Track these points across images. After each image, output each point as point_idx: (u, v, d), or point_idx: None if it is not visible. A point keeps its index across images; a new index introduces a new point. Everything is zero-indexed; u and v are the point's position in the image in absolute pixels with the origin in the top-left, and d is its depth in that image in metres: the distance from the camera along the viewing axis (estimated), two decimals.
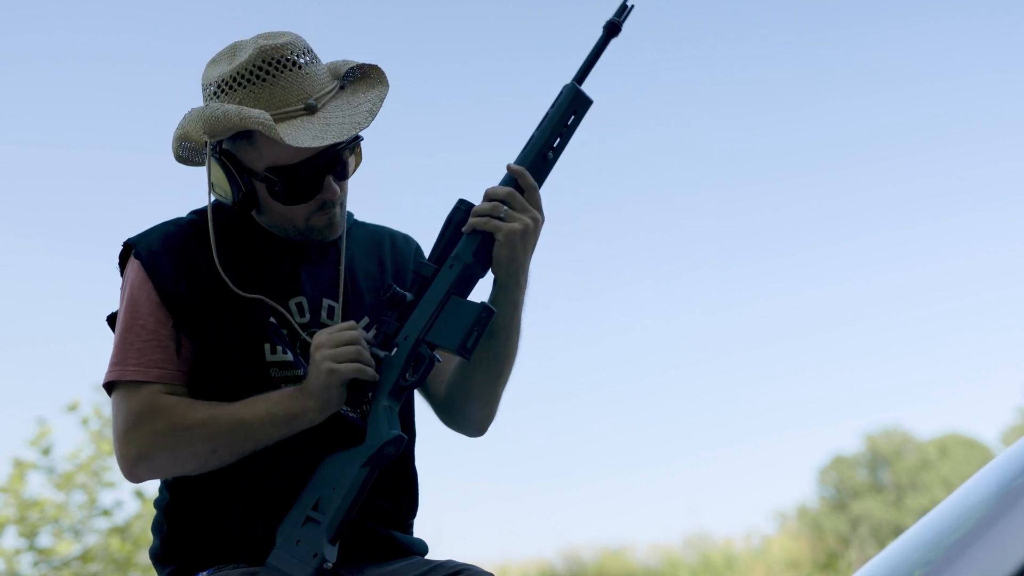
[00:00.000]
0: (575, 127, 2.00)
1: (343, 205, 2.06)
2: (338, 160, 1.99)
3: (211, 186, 2.02)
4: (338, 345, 1.89)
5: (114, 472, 11.02)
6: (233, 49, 2.01)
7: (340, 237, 2.11)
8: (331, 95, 2.00)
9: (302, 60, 1.97)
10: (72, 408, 10.79)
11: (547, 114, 2.00)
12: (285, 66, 1.95)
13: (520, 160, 1.98)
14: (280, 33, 2.00)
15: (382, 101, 2.00)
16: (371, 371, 1.90)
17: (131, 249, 2.03)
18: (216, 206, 2.05)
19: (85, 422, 10.45)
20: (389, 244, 2.18)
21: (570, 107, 1.99)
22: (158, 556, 2.04)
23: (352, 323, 1.93)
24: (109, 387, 1.99)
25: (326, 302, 2.06)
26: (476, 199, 1.98)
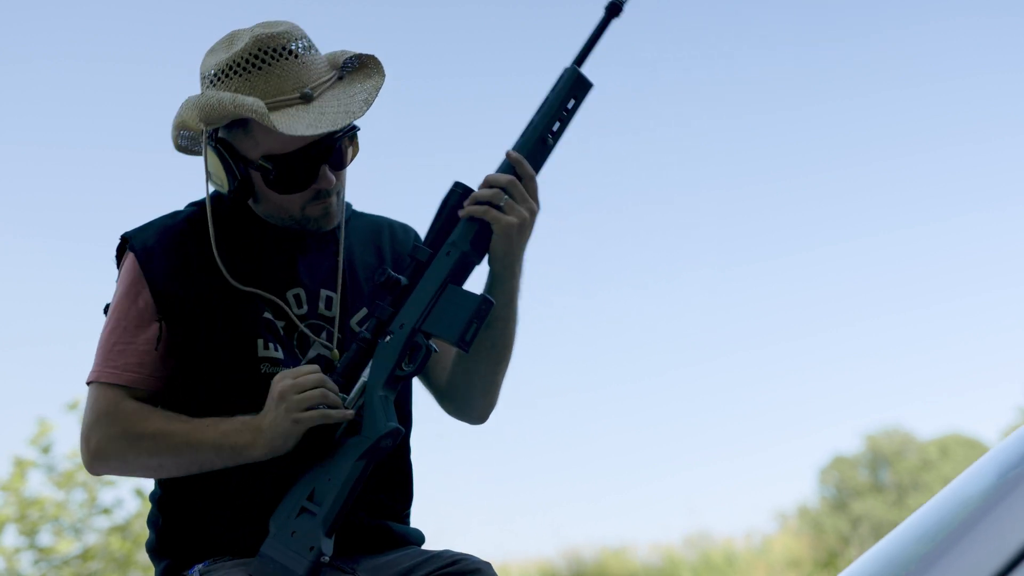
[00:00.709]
0: (575, 111, 1.96)
1: (340, 195, 2.05)
2: (333, 149, 1.98)
3: (208, 175, 2.02)
4: (302, 391, 1.85)
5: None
6: (231, 38, 2.01)
7: (339, 227, 2.10)
8: (328, 84, 1.99)
9: (299, 49, 1.97)
10: (72, 407, 10.79)
11: (546, 98, 1.96)
12: (281, 55, 1.95)
13: (519, 145, 1.95)
14: (278, 22, 1.99)
15: (378, 91, 2.00)
16: (337, 414, 1.87)
17: (127, 243, 2.03)
18: (215, 197, 2.06)
19: None
20: (388, 234, 2.18)
21: (570, 91, 1.95)
22: (154, 549, 2.04)
23: (315, 366, 1.89)
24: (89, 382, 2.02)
25: (324, 293, 2.06)
26: (475, 185, 1.96)
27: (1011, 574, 1.13)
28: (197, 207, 2.07)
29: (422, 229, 2.01)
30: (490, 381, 2.07)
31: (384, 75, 2.03)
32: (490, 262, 1.96)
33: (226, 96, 1.92)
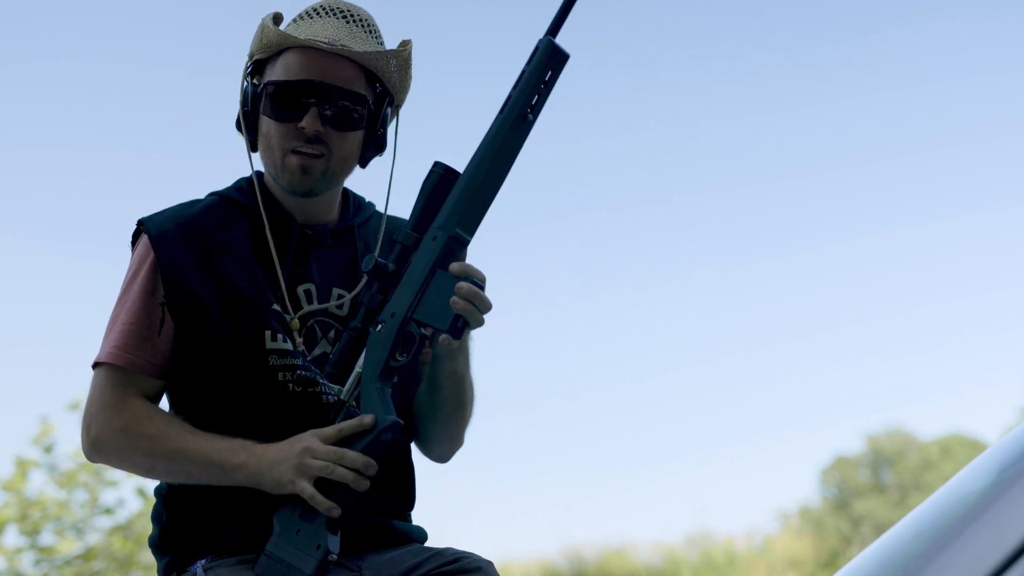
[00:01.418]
0: (553, 84, 1.89)
1: (329, 162, 2.03)
2: (331, 97, 2.01)
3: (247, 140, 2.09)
4: (319, 455, 1.84)
5: (116, 471, 11.04)
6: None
7: (358, 225, 2.12)
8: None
9: (354, 21, 2.05)
10: (74, 407, 10.80)
11: (523, 72, 1.89)
12: (333, 13, 2.05)
13: (499, 122, 1.89)
14: (358, 6, 2.10)
15: (383, 50, 2.05)
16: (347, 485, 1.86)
17: (142, 227, 2.06)
18: (237, 187, 2.10)
19: None
20: None
21: (547, 64, 1.88)
22: (157, 545, 2.05)
23: (359, 455, 1.85)
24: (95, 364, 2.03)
25: (336, 291, 2.06)
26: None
27: (1009, 570, 1.13)
28: (218, 196, 2.09)
29: None
30: (448, 434, 2.12)
31: (408, 47, 2.08)
32: (434, 346, 1.96)
33: (265, 24, 2.04)
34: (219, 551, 1.97)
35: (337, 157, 2.04)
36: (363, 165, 2.12)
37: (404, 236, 1.92)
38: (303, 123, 2.00)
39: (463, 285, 1.85)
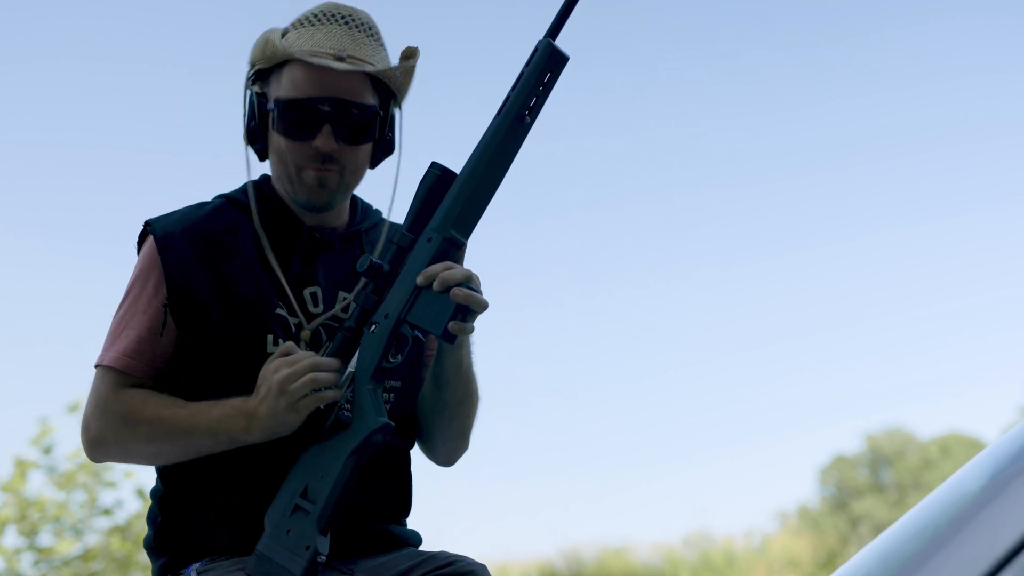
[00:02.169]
0: (551, 86, 1.88)
1: (343, 175, 2.04)
2: (345, 116, 1.99)
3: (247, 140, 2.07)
4: (297, 379, 1.85)
5: (115, 471, 11.04)
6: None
7: (365, 231, 2.12)
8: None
9: (356, 27, 2.03)
10: (73, 408, 10.80)
11: (521, 74, 1.88)
12: (335, 20, 2.02)
13: (497, 124, 1.89)
14: (359, 9, 2.08)
15: (391, 64, 2.04)
16: (330, 394, 1.87)
17: (148, 228, 2.05)
18: (244, 190, 2.08)
19: None
20: None
21: (546, 66, 1.87)
22: (152, 547, 2.05)
23: (308, 353, 1.89)
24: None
25: (342, 295, 2.05)
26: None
27: (1005, 570, 1.14)
28: (226, 198, 2.09)
29: None
30: (454, 433, 2.10)
31: (415, 57, 2.06)
32: (440, 347, 1.97)
33: (268, 36, 2.00)
34: (214, 554, 1.96)
35: (351, 169, 2.04)
36: (373, 166, 2.12)
37: (399, 237, 1.91)
38: (317, 142, 1.99)
39: (459, 291, 1.84)
